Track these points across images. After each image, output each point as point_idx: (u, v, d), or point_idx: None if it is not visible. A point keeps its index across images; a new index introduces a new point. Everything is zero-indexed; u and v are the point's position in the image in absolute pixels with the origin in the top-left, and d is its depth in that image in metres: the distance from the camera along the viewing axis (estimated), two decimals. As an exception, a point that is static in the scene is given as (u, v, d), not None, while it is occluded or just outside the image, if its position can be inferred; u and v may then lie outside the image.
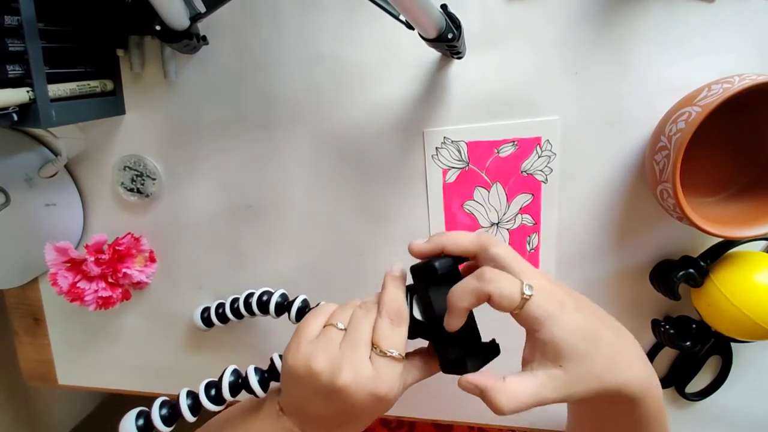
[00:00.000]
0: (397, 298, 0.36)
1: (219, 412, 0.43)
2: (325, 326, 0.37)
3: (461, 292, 0.32)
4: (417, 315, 0.37)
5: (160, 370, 0.63)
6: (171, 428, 0.41)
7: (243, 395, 0.42)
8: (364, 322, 0.35)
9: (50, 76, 0.42)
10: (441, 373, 0.38)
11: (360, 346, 0.34)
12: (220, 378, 0.42)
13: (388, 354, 0.34)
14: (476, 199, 0.51)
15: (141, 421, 0.40)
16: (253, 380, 0.41)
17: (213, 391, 0.42)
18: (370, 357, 0.34)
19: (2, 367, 0.80)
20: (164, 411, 0.41)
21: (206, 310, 0.57)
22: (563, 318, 0.31)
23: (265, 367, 0.43)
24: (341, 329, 0.36)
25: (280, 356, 0.41)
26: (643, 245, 0.49)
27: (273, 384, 0.42)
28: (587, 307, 0.34)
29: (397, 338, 0.34)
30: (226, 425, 0.42)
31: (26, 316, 0.64)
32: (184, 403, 0.41)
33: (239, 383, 0.42)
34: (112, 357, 0.64)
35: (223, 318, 0.55)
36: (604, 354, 0.31)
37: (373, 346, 0.34)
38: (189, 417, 0.41)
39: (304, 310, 0.48)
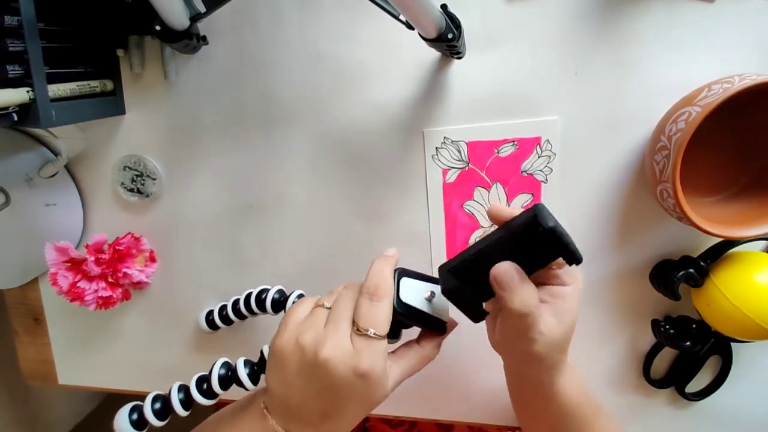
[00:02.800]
0: (378, 275, 0.36)
1: (211, 406, 0.42)
2: (313, 309, 0.37)
3: None
4: (406, 300, 0.37)
5: (161, 369, 0.63)
6: (164, 422, 0.41)
7: (235, 389, 0.42)
8: (346, 300, 0.36)
9: (50, 76, 0.42)
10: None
11: (342, 321, 0.34)
12: (210, 371, 0.41)
13: (365, 332, 0.33)
14: (476, 199, 0.51)
15: (135, 416, 0.40)
16: (242, 373, 0.40)
17: (204, 385, 0.41)
18: (351, 334, 0.34)
19: (2, 367, 0.80)
20: (157, 405, 0.41)
21: (210, 313, 0.57)
22: (580, 288, 0.37)
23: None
24: (328, 308, 0.36)
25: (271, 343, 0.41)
26: (643, 245, 0.49)
27: (264, 378, 0.41)
28: None
29: (375, 315, 0.34)
30: (217, 425, 0.42)
31: (26, 316, 0.64)
32: (175, 397, 0.41)
33: (229, 376, 0.41)
34: (113, 357, 0.64)
35: (226, 320, 0.55)
36: (567, 349, 0.38)
37: (354, 323, 0.34)
38: (181, 411, 0.41)
39: None
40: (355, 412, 0.36)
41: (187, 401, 0.41)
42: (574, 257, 0.33)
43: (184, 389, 0.42)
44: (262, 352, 0.42)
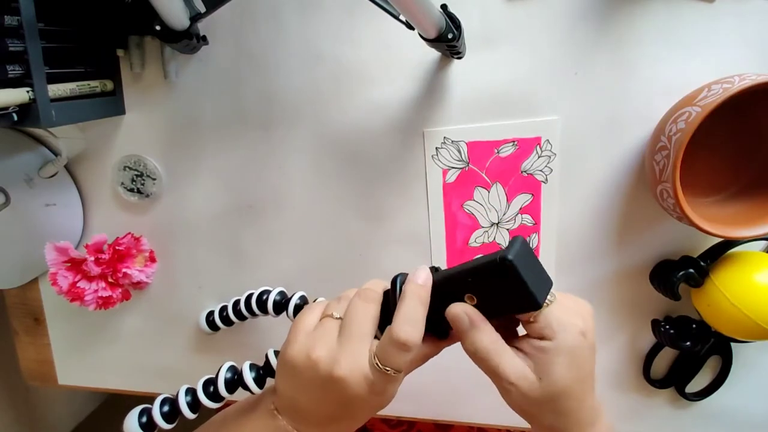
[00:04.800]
0: (414, 320, 0.32)
1: (219, 409, 0.43)
2: (321, 318, 0.36)
3: None
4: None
5: (161, 370, 0.63)
6: (173, 425, 0.41)
7: (241, 392, 0.42)
8: (360, 315, 0.34)
9: (50, 76, 0.42)
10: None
11: (355, 340, 0.33)
12: (217, 375, 0.42)
13: (384, 370, 0.32)
14: (476, 199, 0.51)
15: (144, 419, 0.41)
16: (248, 377, 0.41)
17: (211, 388, 0.42)
18: (368, 360, 0.33)
19: (2, 367, 0.80)
20: (165, 408, 0.41)
21: (211, 313, 0.57)
22: (580, 348, 0.32)
23: (262, 363, 0.42)
24: (337, 318, 0.35)
25: (276, 352, 0.41)
26: (643, 245, 0.49)
27: (269, 381, 0.41)
28: (593, 357, 0.34)
29: (400, 360, 0.32)
30: (223, 425, 0.42)
31: (26, 316, 0.64)
32: (183, 401, 0.41)
33: (235, 380, 0.41)
34: (113, 357, 0.64)
35: (227, 321, 0.55)
36: (575, 415, 0.33)
37: (375, 354, 0.33)
38: (188, 414, 0.41)
39: (302, 306, 0.48)
40: (365, 416, 0.36)
41: (195, 404, 0.42)
42: (530, 298, 0.29)
43: (191, 392, 0.42)
44: (267, 357, 0.42)
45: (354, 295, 0.36)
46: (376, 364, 0.32)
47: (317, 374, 0.33)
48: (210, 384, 0.42)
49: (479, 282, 0.31)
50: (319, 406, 0.35)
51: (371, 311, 0.35)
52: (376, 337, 0.34)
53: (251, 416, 0.39)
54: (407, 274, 0.36)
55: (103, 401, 1.07)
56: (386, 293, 0.36)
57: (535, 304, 0.29)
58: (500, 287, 0.30)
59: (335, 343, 0.34)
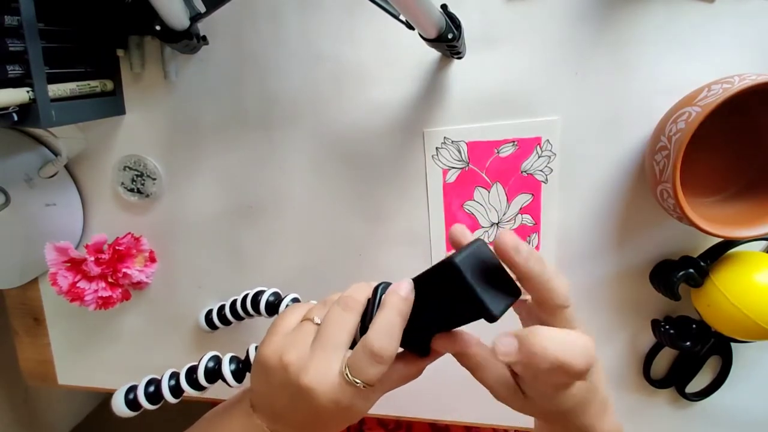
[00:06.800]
0: (389, 332, 0.31)
1: (210, 407, 0.43)
2: (302, 321, 0.36)
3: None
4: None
5: (161, 370, 0.62)
6: (156, 406, 0.42)
7: (222, 384, 0.42)
8: (337, 324, 0.33)
9: (50, 76, 0.42)
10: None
11: (328, 349, 0.32)
12: (199, 362, 0.43)
13: (354, 382, 0.31)
14: (476, 199, 0.51)
15: (131, 395, 0.42)
16: (226, 368, 0.41)
17: (194, 376, 0.43)
18: (338, 372, 0.32)
19: (2, 367, 0.80)
20: (151, 388, 0.43)
21: (210, 312, 0.57)
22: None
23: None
24: (317, 323, 0.35)
25: (257, 347, 0.41)
26: (643, 245, 0.49)
27: (249, 376, 0.41)
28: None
29: (372, 373, 0.31)
30: (211, 421, 0.42)
31: (26, 316, 0.64)
32: (166, 383, 0.42)
33: (216, 370, 0.42)
34: (112, 357, 0.64)
35: (224, 320, 0.55)
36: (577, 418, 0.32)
37: (347, 365, 0.32)
38: (169, 398, 0.42)
39: None
40: (335, 427, 0.35)
41: (177, 389, 0.42)
42: (483, 309, 0.26)
43: (175, 377, 0.43)
44: (248, 352, 0.42)
45: (334, 302, 0.35)
46: (346, 374, 0.31)
47: (287, 378, 0.33)
48: (193, 372, 0.43)
49: (435, 288, 0.30)
50: (288, 409, 0.34)
51: (348, 321, 0.33)
52: (354, 344, 0.33)
53: (233, 412, 0.38)
54: (391, 284, 0.34)
55: (103, 401, 1.07)
56: (369, 300, 0.35)
57: (489, 315, 0.26)
58: (454, 294, 0.28)
59: (308, 349, 0.33)
